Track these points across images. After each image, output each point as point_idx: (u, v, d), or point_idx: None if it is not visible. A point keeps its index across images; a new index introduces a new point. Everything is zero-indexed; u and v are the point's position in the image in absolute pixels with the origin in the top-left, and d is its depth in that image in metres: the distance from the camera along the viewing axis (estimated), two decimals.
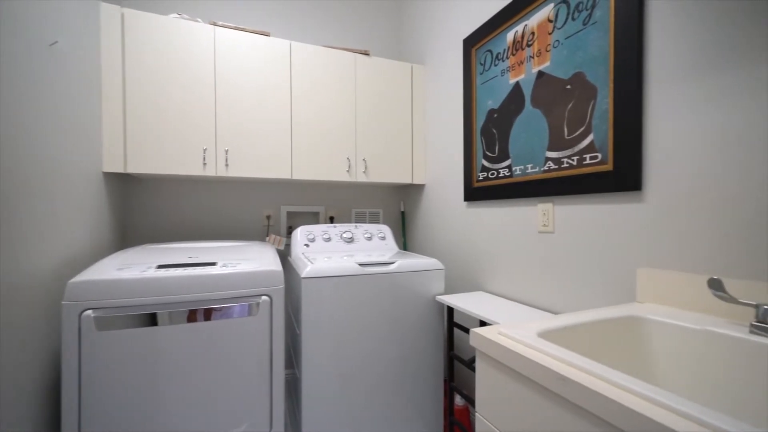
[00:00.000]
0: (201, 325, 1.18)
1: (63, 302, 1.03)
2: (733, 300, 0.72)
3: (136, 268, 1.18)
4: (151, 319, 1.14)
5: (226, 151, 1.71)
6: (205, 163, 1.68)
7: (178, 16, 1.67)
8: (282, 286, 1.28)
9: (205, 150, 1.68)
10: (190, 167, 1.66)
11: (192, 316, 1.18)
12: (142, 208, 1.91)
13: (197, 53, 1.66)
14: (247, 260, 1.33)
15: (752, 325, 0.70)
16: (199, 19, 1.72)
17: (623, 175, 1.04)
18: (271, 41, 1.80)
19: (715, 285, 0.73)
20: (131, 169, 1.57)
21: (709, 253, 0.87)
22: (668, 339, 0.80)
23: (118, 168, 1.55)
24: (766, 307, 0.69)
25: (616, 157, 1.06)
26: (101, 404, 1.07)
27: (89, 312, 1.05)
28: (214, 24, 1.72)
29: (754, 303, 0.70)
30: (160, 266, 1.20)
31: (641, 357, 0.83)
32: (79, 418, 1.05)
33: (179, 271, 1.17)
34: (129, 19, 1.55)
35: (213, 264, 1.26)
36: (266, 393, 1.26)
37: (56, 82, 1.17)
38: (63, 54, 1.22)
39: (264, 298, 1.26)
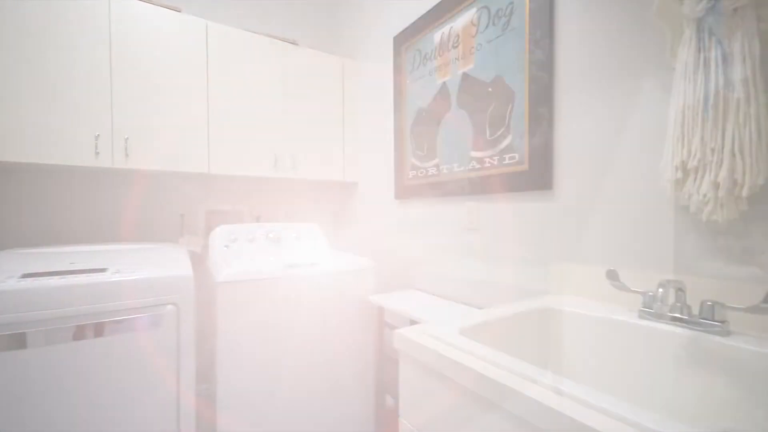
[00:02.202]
0: (91, 343, 1.01)
1: None
2: (626, 288, 0.79)
3: None
4: (18, 341, 0.93)
5: (126, 139, 1.48)
6: (97, 152, 1.43)
7: None
8: (191, 292, 1.14)
9: (97, 136, 1.42)
10: (77, 156, 1.40)
11: (80, 333, 1.00)
12: (12, 204, 1.56)
13: (85, 20, 1.40)
14: (149, 265, 1.16)
15: (640, 311, 0.78)
16: None
17: (537, 174, 1.11)
18: (182, 18, 1.60)
19: (612, 275, 0.80)
20: None
21: (606, 246, 0.95)
22: (575, 327, 0.86)
23: None
24: (650, 294, 0.77)
25: (531, 157, 1.12)
26: None
27: None
28: None
29: (642, 290, 0.78)
30: (27, 275, 0.98)
31: (554, 345, 0.88)
32: None
33: (53, 281, 0.96)
34: None
35: (102, 270, 1.07)
36: (173, 414, 1.11)
37: None
38: None
39: (169, 307, 1.10)
